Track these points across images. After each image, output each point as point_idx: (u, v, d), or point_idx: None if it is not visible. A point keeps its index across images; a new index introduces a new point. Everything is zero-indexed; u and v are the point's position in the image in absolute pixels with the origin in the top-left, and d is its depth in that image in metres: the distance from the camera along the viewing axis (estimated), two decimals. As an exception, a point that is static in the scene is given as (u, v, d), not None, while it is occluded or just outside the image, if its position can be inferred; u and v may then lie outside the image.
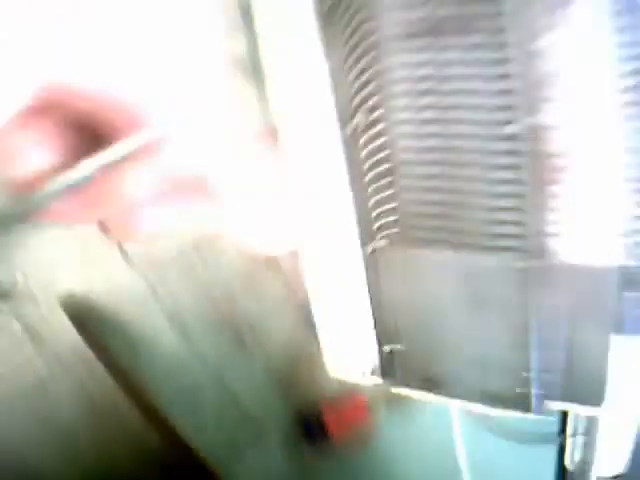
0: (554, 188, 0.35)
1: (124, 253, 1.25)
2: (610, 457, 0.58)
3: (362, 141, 0.37)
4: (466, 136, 0.34)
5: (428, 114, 0.34)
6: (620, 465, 0.60)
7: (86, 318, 1.24)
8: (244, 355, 1.37)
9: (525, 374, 0.39)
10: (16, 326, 1.27)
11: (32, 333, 1.26)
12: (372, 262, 0.40)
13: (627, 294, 0.37)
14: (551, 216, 0.35)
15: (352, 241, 0.41)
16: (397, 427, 1.45)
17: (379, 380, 0.44)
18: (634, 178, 0.33)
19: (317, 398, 1.43)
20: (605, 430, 0.59)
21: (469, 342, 0.40)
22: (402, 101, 0.35)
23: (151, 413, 1.25)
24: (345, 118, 0.37)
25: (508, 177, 0.35)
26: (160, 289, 1.29)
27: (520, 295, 0.37)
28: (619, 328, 0.38)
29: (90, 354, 1.22)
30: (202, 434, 1.31)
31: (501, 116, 0.33)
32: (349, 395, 1.44)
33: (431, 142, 0.35)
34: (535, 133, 0.33)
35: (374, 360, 0.44)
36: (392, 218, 0.38)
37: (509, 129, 0.33)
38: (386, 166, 0.36)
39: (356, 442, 1.45)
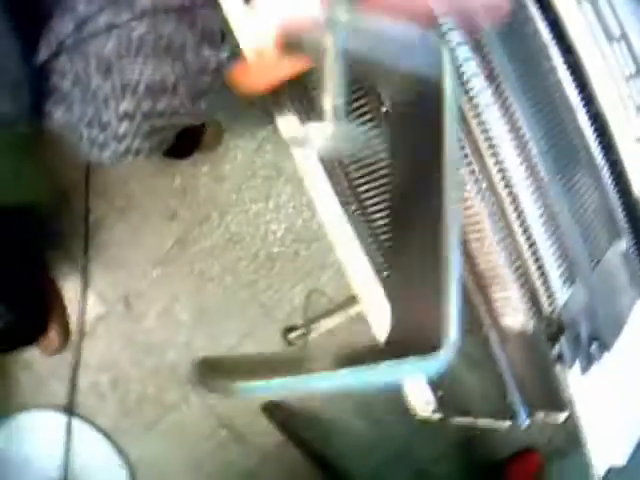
0: (490, 291, 0.73)
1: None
2: (612, 448, 0.85)
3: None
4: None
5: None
6: (620, 457, 0.87)
7: (286, 417, 1.71)
8: (429, 430, 1.73)
9: (509, 399, 0.76)
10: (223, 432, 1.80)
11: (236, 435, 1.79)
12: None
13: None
14: (493, 306, 0.74)
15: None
16: (568, 474, 1.70)
17: (440, 415, 0.83)
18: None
19: (498, 457, 1.78)
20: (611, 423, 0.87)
21: (475, 386, 0.78)
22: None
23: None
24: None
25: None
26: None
27: (490, 352, 0.75)
28: (561, 361, 0.74)
29: (291, 449, 1.69)
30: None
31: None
32: (526, 452, 1.76)
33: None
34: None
35: (434, 403, 0.83)
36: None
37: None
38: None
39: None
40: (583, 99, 0.83)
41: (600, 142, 0.84)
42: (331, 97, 0.51)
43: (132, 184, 1.65)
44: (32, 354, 1.68)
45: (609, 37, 0.84)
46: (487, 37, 0.74)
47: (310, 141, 0.53)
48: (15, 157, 1.43)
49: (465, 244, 0.73)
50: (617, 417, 0.83)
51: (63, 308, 1.67)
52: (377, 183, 0.80)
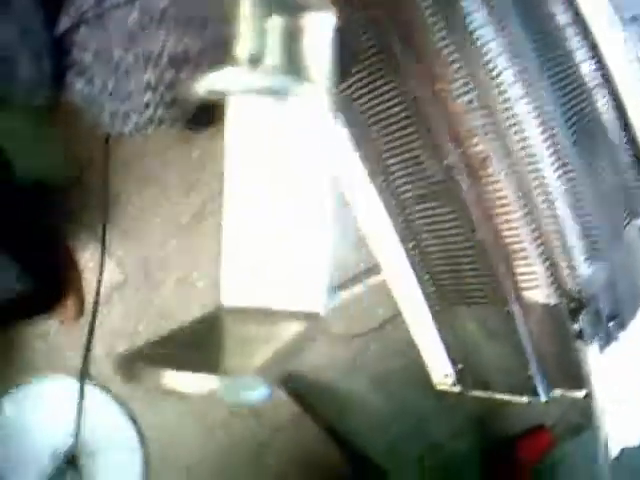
0: (515, 266, 0.75)
1: (327, 332, 1.70)
2: (627, 428, 0.87)
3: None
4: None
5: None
6: (635, 438, 0.89)
7: (300, 389, 1.73)
8: (444, 406, 1.75)
9: (529, 373, 0.78)
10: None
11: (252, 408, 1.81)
12: (436, 318, 0.83)
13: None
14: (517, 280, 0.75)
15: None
16: (578, 455, 1.73)
17: (459, 387, 0.85)
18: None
19: (511, 432, 1.80)
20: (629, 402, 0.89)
21: (495, 359, 0.80)
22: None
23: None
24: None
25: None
26: (359, 358, 1.74)
27: (512, 326, 0.77)
28: (582, 337, 0.76)
29: (305, 420, 1.71)
30: (408, 477, 1.75)
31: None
32: (537, 429, 1.79)
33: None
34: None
35: (453, 375, 0.85)
36: (436, 293, 0.80)
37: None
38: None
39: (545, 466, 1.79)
40: (602, 79, 0.85)
41: (619, 122, 0.85)
42: (246, 41, 0.50)
43: (150, 156, 1.65)
44: (48, 322, 1.69)
45: (623, 19, 0.86)
46: (509, 18, 0.75)
47: (225, 89, 0.51)
48: (35, 131, 1.44)
49: (491, 219, 0.75)
50: (632, 397, 0.85)
51: (79, 277, 1.69)
52: (405, 156, 0.82)
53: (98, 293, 1.69)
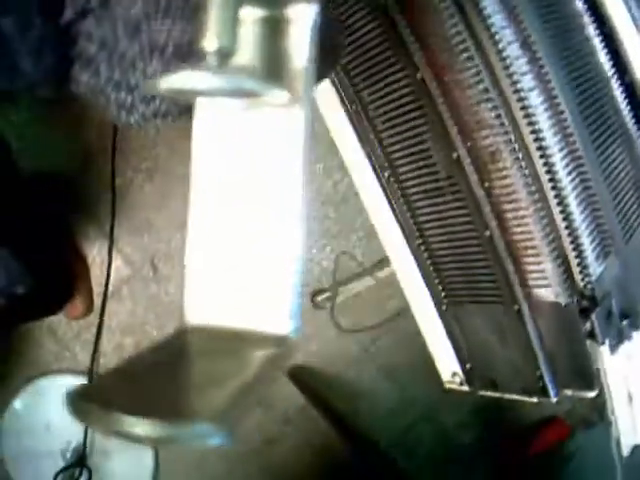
0: (524, 263, 0.74)
1: (337, 324, 1.70)
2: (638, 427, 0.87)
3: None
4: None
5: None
6: None
7: (310, 381, 1.73)
8: (455, 396, 1.76)
9: (539, 373, 0.77)
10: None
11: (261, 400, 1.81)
12: (444, 316, 0.82)
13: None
14: (527, 278, 0.75)
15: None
16: (591, 444, 1.72)
17: (467, 387, 0.85)
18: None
19: (521, 424, 1.80)
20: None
21: (504, 359, 0.80)
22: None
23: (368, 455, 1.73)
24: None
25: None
26: (371, 348, 1.74)
27: (521, 325, 0.76)
28: (593, 337, 0.75)
29: (315, 412, 1.71)
30: (418, 469, 1.76)
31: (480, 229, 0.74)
32: (555, 420, 1.79)
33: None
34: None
35: (461, 374, 0.85)
36: (443, 291, 0.80)
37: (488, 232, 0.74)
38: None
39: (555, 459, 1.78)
40: (617, 69, 0.84)
41: (634, 113, 0.85)
42: (215, 36, 0.43)
43: (159, 147, 1.65)
44: (56, 319, 1.70)
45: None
46: (522, 6, 0.75)
47: (189, 91, 0.45)
48: (41, 122, 1.45)
49: (500, 215, 0.75)
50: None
51: (88, 273, 1.70)
52: (411, 150, 0.82)
53: (106, 289, 1.69)
